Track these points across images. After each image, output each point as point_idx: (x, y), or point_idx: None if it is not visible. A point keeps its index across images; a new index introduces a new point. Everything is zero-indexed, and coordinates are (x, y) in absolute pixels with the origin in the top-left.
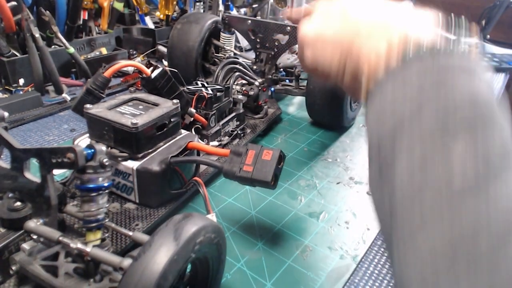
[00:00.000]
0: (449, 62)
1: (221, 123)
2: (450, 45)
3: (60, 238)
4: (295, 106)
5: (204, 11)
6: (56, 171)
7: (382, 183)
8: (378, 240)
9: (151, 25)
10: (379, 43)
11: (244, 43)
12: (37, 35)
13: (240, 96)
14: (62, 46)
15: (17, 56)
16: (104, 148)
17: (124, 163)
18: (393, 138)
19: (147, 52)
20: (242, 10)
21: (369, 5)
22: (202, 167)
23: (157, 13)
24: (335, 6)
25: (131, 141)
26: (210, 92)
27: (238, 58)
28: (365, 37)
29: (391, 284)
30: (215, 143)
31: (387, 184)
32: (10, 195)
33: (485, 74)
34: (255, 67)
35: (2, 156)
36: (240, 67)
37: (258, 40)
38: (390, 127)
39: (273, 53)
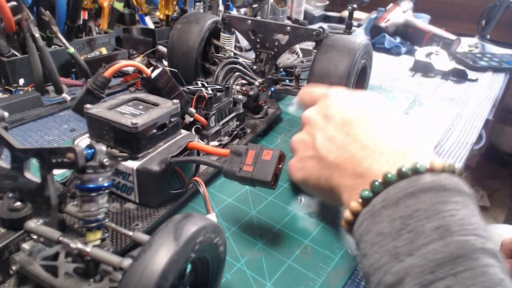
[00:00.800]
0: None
1: (221, 123)
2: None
3: (60, 238)
4: (295, 106)
5: (204, 11)
6: (56, 171)
7: None
8: None
9: (151, 25)
10: (351, 187)
11: (244, 43)
12: (37, 35)
13: (240, 96)
14: (62, 46)
15: (17, 56)
16: (104, 148)
17: (124, 163)
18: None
19: (147, 52)
20: (242, 10)
21: (341, 137)
22: (202, 167)
23: (157, 13)
24: (308, 141)
25: (131, 141)
26: (210, 92)
27: (238, 58)
28: (342, 187)
29: None
30: (215, 143)
31: None
32: (10, 195)
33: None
34: (255, 67)
35: (2, 156)
36: (240, 67)
37: (258, 40)
38: (365, 271)
39: (273, 53)
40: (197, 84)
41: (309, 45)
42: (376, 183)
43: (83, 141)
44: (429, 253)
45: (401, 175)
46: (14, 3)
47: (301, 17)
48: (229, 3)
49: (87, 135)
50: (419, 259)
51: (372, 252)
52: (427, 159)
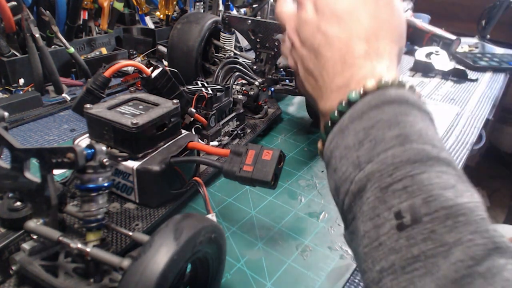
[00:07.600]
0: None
1: (221, 123)
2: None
3: (60, 238)
4: (295, 106)
5: (204, 11)
6: (56, 171)
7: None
8: None
9: (151, 25)
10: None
11: (244, 43)
12: (37, 35)
13: (240, 96)
14: (62, 46)
15: (17, 56)
16: (104, 148)
17: (124, 163)
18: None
19: (147, 52)
20: (242, 10)
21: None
22: (202, 167)
23: (157, 13)
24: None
25: (131, 141)
26: (210, 92)
27: (238, 58)
28: (327, 82)
29: None
30: (215, 143)
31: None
32: (10, 195)
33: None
34: (255, 67)
35: (2, 156)
36: (240, 67)
37: (258, 40)
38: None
39: (273, 53)
40: (197, 84)
41: None
42: (343, 103)
43: (83, 141)
44: (388, 158)
45: (365, 92)
46: (14, 3)
47: None
48: (229, 3)
49: (87, 135)
50: (378, 165)
51: (340, 165)
52: (391, 74)
